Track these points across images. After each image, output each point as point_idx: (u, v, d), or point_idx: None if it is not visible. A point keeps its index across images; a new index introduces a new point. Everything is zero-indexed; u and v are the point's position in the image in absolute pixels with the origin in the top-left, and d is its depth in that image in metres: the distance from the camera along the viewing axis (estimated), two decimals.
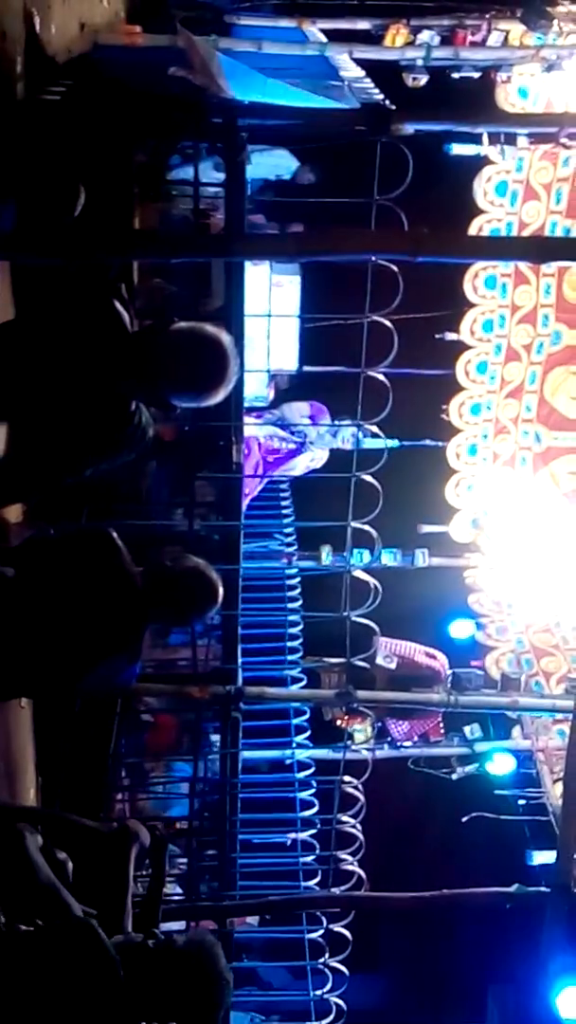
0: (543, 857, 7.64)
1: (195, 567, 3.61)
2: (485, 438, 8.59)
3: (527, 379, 8.43)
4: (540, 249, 4.63)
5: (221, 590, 3.62)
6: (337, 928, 6.42)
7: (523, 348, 8.32)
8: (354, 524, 6.40)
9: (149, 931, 3.44)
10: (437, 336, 8.22)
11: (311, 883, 6.65)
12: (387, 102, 6.65)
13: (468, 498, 8.71)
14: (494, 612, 8.58)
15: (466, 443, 8.58)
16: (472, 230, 7.84)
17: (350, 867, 6.55)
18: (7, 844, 3.40)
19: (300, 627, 7.50)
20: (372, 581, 6.55)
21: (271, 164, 8.80)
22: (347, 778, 6.70)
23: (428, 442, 8.63)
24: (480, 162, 7.87)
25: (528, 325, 8.24)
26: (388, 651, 7.98)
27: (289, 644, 7.36)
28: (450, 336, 8.36)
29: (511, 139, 7.50)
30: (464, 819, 8.05)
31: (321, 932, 6.46)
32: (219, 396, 3.29)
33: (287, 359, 8.62)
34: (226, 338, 3.25)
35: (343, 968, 6.55)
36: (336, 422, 8.60)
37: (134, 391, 3.23)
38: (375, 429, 6.88)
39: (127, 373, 3.21)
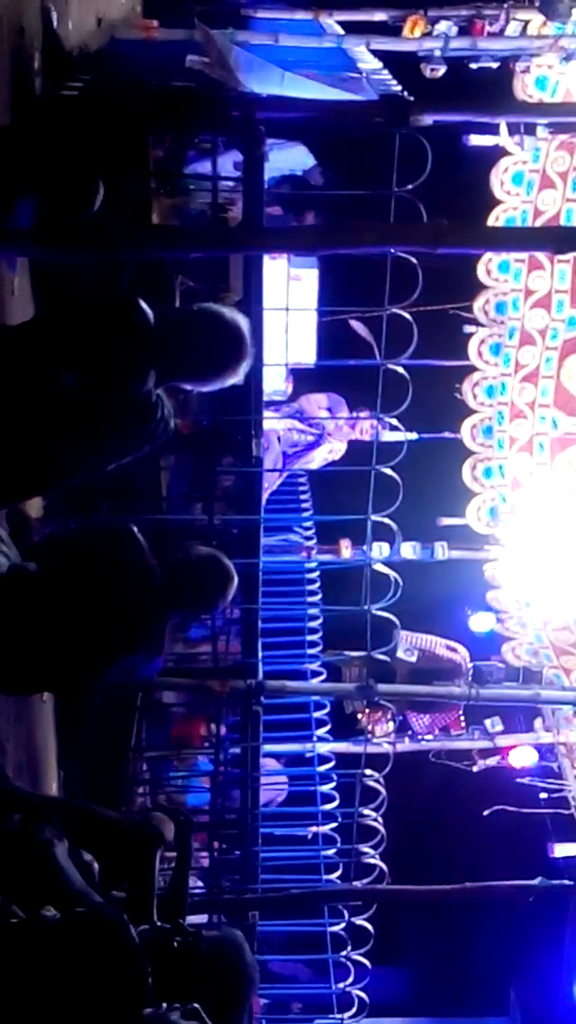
0: (565, 850, 7.64)
1: (209, 554, 3.68)
2: (500, 422, 8.55)
3: (543, 364, 8.39)
4: (559, 238, 4.61)
5: (236, 576, 3.66)
6: (359, 921, 6.42)
7: (538, 332, 8.28)
8: (374, 517, 6.39)
9: (175, 923, 3.45)
10: (464, 328, 8.20)
11: (333, 876, 6.65)
12: (405, 93, 6.62)
13: (485, 482, 8.68)
14: (513, 609, 8.56)
15: (481, 424, 8.54)
16: (489, 221, 7.81)
17: (371, 860, 6.54)
18: (36, 854, 3.40)
19: (320, 621, 7.50)
20: (392, 574, 6.54)
21: (288, 160, 8.79)
22: (368, 771, 6.69)
23: (447, 434, 8.61)
24: (498, 153, 7.84)
25: (543, 309, 8.21)
26: (409, 644, 7.97)
27: (309, 638, 7.36)
28: (469, 329, 8.33)
29: (530, 129, 7.46)
30: (485, 812, 8.05)
31: (343, 925, 6.46)
32: (237, 376, 3.31)
33: (305, 353, 8.62)
34: (241, 317, 3.28)
35: (365, 961, 6.55)
36: (354, 414, 8.60)
37: (156, 379, 3.24)
38: (394, 421, 6.87)
39: (148, 363, 3.21)
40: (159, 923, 3.45)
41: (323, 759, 7.06)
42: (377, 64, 7.59)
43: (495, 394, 8.47)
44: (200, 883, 6.59)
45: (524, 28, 8.03)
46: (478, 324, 8.17)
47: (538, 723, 8.24)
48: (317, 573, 7.85)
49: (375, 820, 6.62)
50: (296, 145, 8.42)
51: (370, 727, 7.48)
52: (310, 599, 7.63)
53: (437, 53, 8.21)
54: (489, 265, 8.07)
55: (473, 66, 8.20)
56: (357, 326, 8.20)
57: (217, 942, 3.31)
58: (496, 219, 7.83)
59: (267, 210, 6.89)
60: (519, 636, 8.48)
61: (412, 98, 6.26)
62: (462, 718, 8.36)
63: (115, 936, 2.93)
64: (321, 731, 7.15)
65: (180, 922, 3.43)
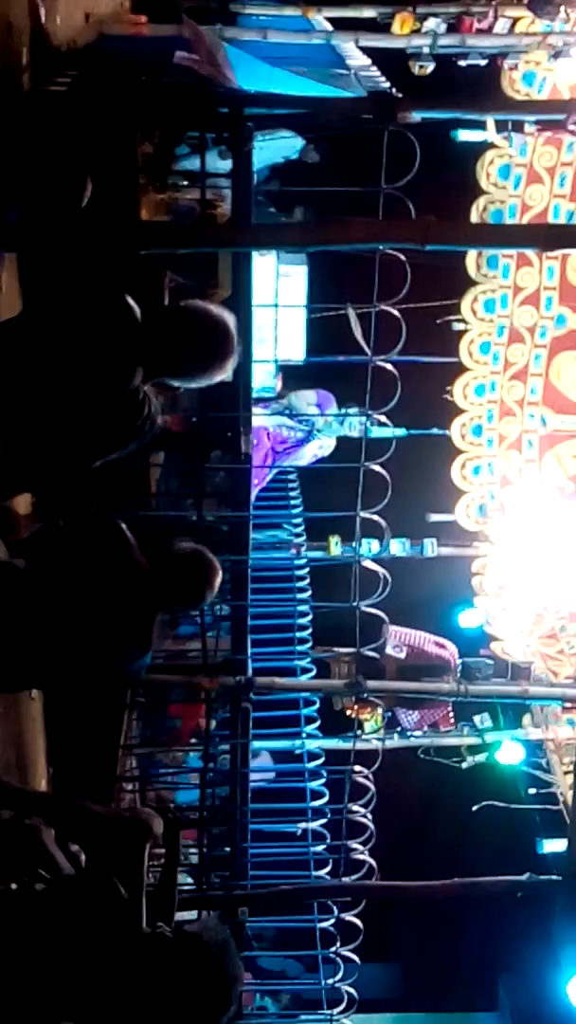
0: (554, 845, 7.65)
1: (194, 549, 3.71)
2: (490, 419, 8.57)
3: (531, 361, 8.41)
4: (548, 236, 4.62)
5: (220, 570, 3.70)
6: (348, 917, 6.43)
7: (527, 330, 8.30)
8: (363, 514, 6.39)
9: (159, 922, 3.46)
10: (439, 321, 8.21)
11: (322, 872, 6.66)
12: (394, 90, 6.62)
13: (474, 479, 8.70)
14: (500, 616, 8.58)
15: (470, 423, 8.56)
16: (474, 211, 7.81)
17: (361, 856, 6.55)
18: (25, 839, 3.41)
19: (309, 617, 7.50)
20: (381, 571, 6.54)
21: (276, 147, 8.76)
22: (357, 767, 6.70)
23: (436, 430, 8.62)
24: (486, 149, 7.85)
25: (531, 307, 8.22)
26: (398, 641, 7.99)
27: (298, 634, 7.36)
28: (458, 326, 8.34)
29: (518, 126, 7.47)
30: (474, 808, 8.07)
31: (332, 921, 6.47)
32: (224, 372, 3.31)
33: (294, 349, 8.62)
34: (228, 313, 3.29)
35: (355, 957, 6.56)
36: (343, 410, 8.60)
37: (143, 376, 3.24)
38: (383, 418, 6.87)
39: (136, 360, 3.21)
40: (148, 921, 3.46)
41: (312, 755, 7.07)
42: (366, 61, 7.59)
43: (484, 392, 8.49)
44: (190, 879, 6.60)
45: (513, 25, 8.03)
46: (465, 323, 8.19)
47: (526, 719, 8.26)
48: (306, 570, 7.85)
49: (364, 816, 6.63)
50: (282, 131, 8.39)
51: (358, 715, 7.48)
52: (299, 596, 7.62)
53: (426, 50, 8.20)
54: (479, 260, 8.09)
55: (462, 63, 8.19)
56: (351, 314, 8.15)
57: (201, 926, 3.35)
58: (482, 209, 7.84)
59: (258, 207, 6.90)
60: (508, 639, 8.50)
61: (401, 95, 6.25)
62: (451, 714, 8.38)
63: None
64: (310, 727, 7.15)
65: (161, 925, 3.43)
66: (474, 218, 7.69)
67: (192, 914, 5.75)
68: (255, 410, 7.04)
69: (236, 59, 6.53)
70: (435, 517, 8.83)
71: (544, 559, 8.35)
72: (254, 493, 7.29)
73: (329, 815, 6.80)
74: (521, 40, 7.83)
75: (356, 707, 7.50)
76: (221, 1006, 3.24)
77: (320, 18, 8.56)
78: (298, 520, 8.65)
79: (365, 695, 6.83)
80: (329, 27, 8.50)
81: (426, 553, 8.65)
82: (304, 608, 7.53)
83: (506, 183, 7.80)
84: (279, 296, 8.08)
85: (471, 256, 7.99)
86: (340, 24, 8.54)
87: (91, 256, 3.75)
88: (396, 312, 5.91)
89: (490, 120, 7.39)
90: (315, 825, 6.82)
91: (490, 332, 8.28)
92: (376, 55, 7.84)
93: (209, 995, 3.21)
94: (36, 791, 5.22)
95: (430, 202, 5.35)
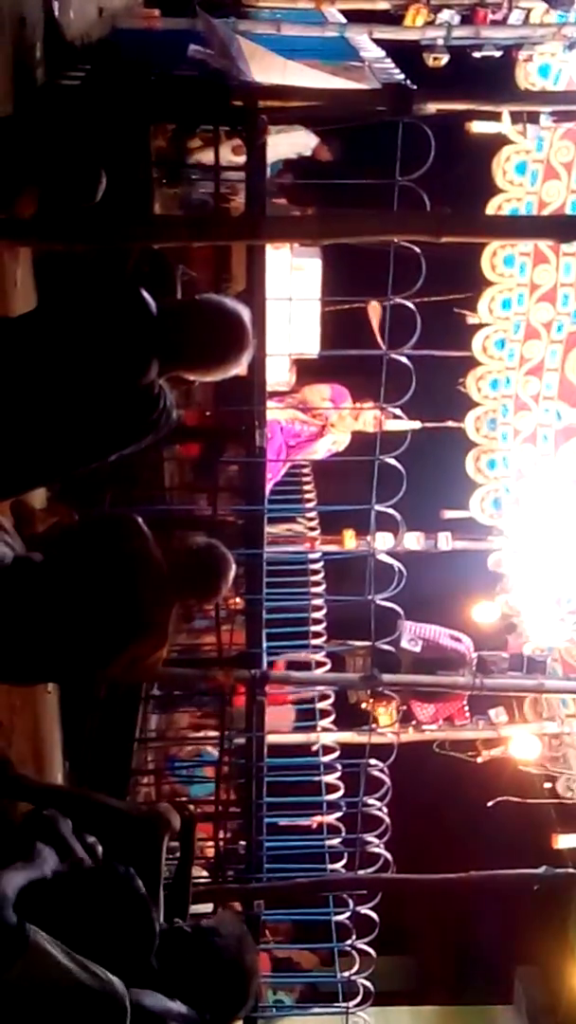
0: (569, 840, 7.65)
1: (208, 543, 3.76)
2: (505, 414, 8.56)
3: (547, 357, 8.39)
4: (564, 228, 4.61)
5: (233, 564, 3.74)
6: (364, 910, 6.43)
7: (543, 326, 8.28)
8: (378, 507, 6.38)
9: (175, 916, 3.47)
10: (456, 310, 8.20)
11: (337, 866, 6.66)
12: (408, 82, 6.59)
13: (489, 473, 8.68)
14: (525, 616, 8.57)
15: (485, 416, 8.55)
16: (491, 210, 7.79)
17: (376, 849, 6.55)
18: (41, 829, 3.43)
19: (324, 611, 7.50)
20: (396, 564, 6.53)
21: (289, 143, 8.75)
22: (372, 761, 6.70)
23: (451, 423, 8.61)
24: (501, 141, 7.82)
25: (548, 303, 8.20)
26: (413, 634, 7.97)
27: (313, 628, 7.36)
28: (471, 319, 8.32)
29: (533, 118, 7.44)
30: (490, 803, 8.06)
31: (348, 914, 6.47)
32: (239, 365, 3.32)
33: (308, 343, 8.60)
34: (242, 306, 3.29)
35: (370, 950, 6.56)
36: (357, 404, 8.59)
37: (158, 370, 3.25)
38: (397, 411, 6.85)
39: (151, 353, 3.22)
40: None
41: (327, 749, 7.07)
42: (380, 53, 7.56)
43: (499, 387, 8.48)
44: (205, 873, 6.61)
45: (527, 16, 8.01)
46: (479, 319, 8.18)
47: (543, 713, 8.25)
48: (321, 563, 7.85)
49: (379, 809, 6.62)
50: (296, 128, 8.39)
51: (373, 709, 7.49)
52: (314, 589, 7.62)
53: (440, 42, 8.19)
54: (494, 260, 8.07)
55: (476, 55, 8.18)
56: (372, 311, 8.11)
57: (219, 921, 3.36)
58: (499, 209, 7.82)
59: (272, 200, 6.88)
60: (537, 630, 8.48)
61: (415, 87, 6.22)
62: (466, 708, 8.37)
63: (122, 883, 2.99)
64: (325, 721, 7.15)
65: (177, 921, 3.45)
66: None
67: (208, 907, 5.77)
68: (269, 404, 7.03)
69: (250, 52, 6.52)
70: (450, 514, 8.82)
71: (561, 552, 8.33)
72: (268, 487, 7.28)
73: (344, 808, 6.80)
74: (536, 31, 7.81)
75: (371, 700, 7.50)
76: (238, 1000, 3.25)
77: (333, 10, 8.56)
78: (312, 514, 8.64)
79: (380, 688, 6.82)
80: (342, 20, 8.49)
81: (441, 547, 8.64)
82: (319, 602, 7.53)
83: (523, 179, 7.79)
84: (293, 289, 8.06)
85: (486, 256, 7.98)
86: (353, 17, 8.54)
87: (105, 250, 3.75)
88: (411, 306, 5.88)
89: (505, 112, 7.37)
90: (330, 818, 6.82)
91: (506, 330, 8.27)
92: (390, 47, 7.82)
93: (226, 990, 3.22)
94: (53, 785, 5.25)
95: (444, 194, 5.33)
